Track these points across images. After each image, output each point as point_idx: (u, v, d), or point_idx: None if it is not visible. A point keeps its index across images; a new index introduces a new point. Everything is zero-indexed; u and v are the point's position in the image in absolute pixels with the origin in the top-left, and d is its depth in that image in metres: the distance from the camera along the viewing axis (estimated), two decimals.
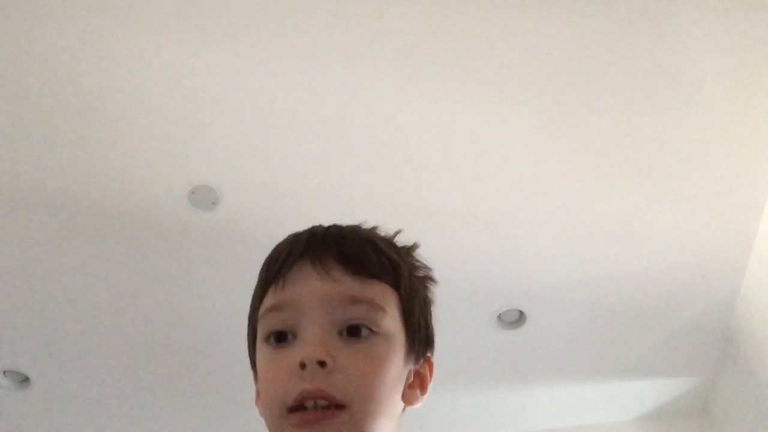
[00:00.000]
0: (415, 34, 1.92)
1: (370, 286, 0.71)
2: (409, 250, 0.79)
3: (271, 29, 1.90)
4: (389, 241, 0.77)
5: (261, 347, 0.72)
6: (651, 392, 3.13)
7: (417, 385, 0.75)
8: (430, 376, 0.78)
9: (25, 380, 2.90)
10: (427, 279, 0.80)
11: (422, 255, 0.79)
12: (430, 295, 0.80)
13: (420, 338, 0.76)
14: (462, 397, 3.08)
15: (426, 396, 0.76)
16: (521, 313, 2.72)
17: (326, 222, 0.79)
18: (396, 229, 0.79)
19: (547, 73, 2.00)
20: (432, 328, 0.80)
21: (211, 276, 2.50)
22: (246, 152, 2.18)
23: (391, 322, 0.72)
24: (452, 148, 2.19)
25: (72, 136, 2.11)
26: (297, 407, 0.66)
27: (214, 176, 2.22)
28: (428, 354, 0.78)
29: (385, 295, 0.72)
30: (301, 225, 0.78)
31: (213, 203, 2.29)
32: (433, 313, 0.80)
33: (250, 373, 0.78)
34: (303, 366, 0.66)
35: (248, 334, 0.77)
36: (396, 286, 0.73)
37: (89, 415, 3.08)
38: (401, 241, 0.79)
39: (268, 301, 0.72)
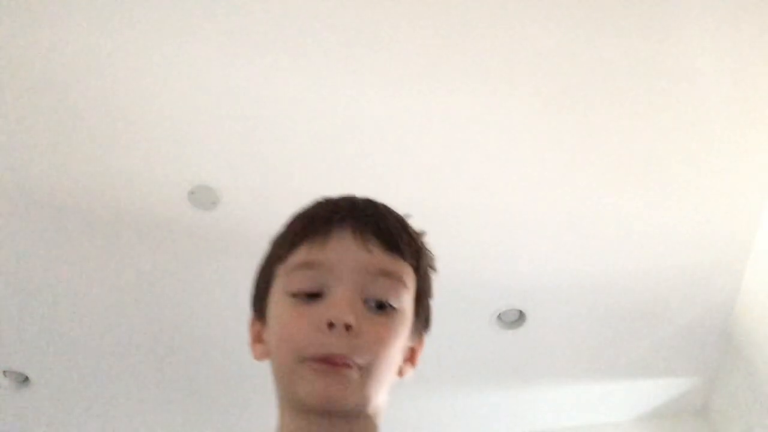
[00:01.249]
0: (416, 35, 1.92)
1: (399, 264, 0.76)
2: (422, 236, 0.84)
3: (272, 30, 1.90)
4: (413, 227, 0.83)
5: (285, 299, 0.75)
6: (651, 392, 3.13)
7: (409, 359, 0.80)
8: (420, 351, 0.82)
9: (25, 380, 2.90)
10: (433, 266, 0.85)
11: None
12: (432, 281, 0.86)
13: (424, 319, 0.81)
14: (462, 397, 3.09)
15: (413, 369, 0.81)
16: (521, 313, 2.72)
17: None
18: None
19: (548, 74, 2.01)
20: (431, 310, 0.84)
21: (211, 275, 2.50)
22: (246, 152, 2.18)
23: (409, 300, 0.77)
24: (453, 148, 2.19)
25: (72, 136, 2.11)
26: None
27: (214, 176, 2.23)
28: (424, 333, 0.83)
29: (409, 274, 0.77)
30: None
31: (213, 203, 2.29)
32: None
33: (263, 364, 0.79)
34: (331, 325, 0.70)
35: (261, 278, 0.80)
36: (416, 268, 0.79)
37: (89, 415, 3.09)
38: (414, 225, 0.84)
39: (301, 256, 0.75)
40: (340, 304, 0.71)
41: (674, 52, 1.96)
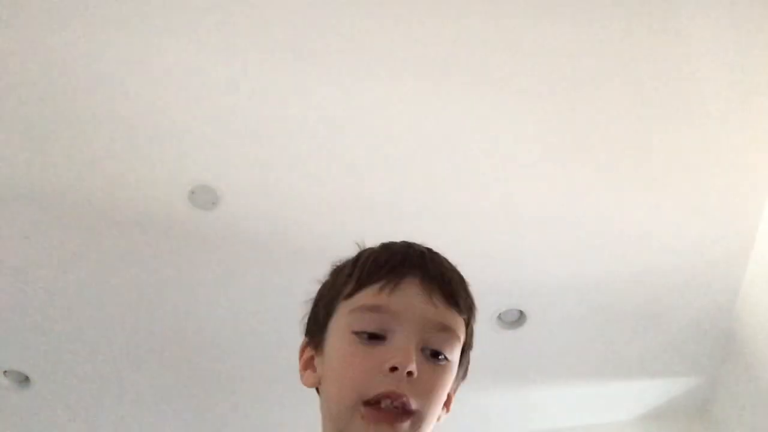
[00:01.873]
0: (416, 34, 1.92)
1: (456, 319, 0.83)
2: (469, 287, 0.89)
3: (272, 30, 1.90)
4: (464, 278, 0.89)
5: (347, 336, 0.79)
6: (651, 392, 3.13)
7: (446, 404, 0.84)
8: (454, 398, 0.87)
9: (25, 380, 2.90)
10: (476, 319, 0.91)
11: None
12: None
13: (464, 369, 0.87)
14: (461, 397, 3.08)
15: (447, 415, 0.85)
16: (521, 313, 2.72)
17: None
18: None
19: (549, 76, 2.00)
20: (470, 362, 0.90)
21: (211, 276, 2.50)
22: (246, 152, 2.18)
23: (458, 351, 0.83)
24: (453, 149, 2.19)
25: (72, 136, 2.11)
26: (372, 402, 0.74)
27: (214, 176, 2.23)
28: (461, 382, 0.89)
29: (461, 327, 0.84)
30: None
31: (213, 203, 2.29)
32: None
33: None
34: (393, 370, 0.74)
35: (321, 307, 0.84)
36: (467, 323, 0.86)
37: (89, 415, 3.09)
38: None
39: (368, 298, 0.79)
40: (404, 351, 0.76)
41: (676, 54, 1.96)
